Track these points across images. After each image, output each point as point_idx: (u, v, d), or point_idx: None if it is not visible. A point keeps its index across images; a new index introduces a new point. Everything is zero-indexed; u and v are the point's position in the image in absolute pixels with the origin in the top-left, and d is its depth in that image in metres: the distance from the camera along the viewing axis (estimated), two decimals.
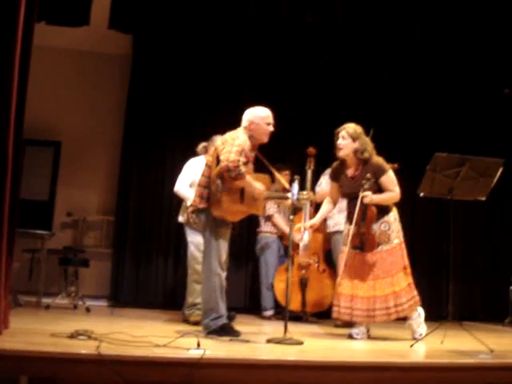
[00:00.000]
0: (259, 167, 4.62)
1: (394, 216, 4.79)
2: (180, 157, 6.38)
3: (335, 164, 4.98)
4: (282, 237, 6.45)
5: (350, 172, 4.81)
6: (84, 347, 3.21)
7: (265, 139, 4.48)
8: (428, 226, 7.26)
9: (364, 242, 4.64)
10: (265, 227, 6.42)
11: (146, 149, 7.11)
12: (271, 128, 4.47)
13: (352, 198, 4.75)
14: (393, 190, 4.73)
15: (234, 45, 7.20)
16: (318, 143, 6.45)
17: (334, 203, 5.05)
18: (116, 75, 7.45)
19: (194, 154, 5.65)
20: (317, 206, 6.33)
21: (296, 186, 4.70)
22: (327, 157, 6.39)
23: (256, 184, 4.34)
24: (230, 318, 4.64)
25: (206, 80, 7.15)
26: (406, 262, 4.75)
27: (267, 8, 6.20)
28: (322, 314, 6.36)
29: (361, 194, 4.55)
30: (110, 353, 3.10)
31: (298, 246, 6.21)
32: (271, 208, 6.34)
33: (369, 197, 4.56)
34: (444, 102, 7.49)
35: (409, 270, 4.75)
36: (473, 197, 4.79)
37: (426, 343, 4.52)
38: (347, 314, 4.69)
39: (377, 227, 4.70)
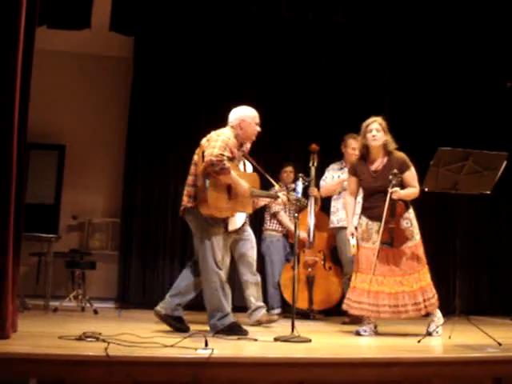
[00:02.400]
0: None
1: (412, 212, 4.81)
2: (184, 158, 6.37)
3: (356, 159, 5.02)
4: (287, 235, 6.45)
5: (373, 166, 4.82)
6: (92, 349, 3.21)
7: (253, 138, 4.56)
8: (434, 221, 7.23)
9: (393, 238, 4.63)
10: (270, 225, 6.42)
11: (149, 150, 7.12)
12: (259, 128, 4.53)
13: (373, 193, 4.76)
14: (415, 186, 4.75)
15: (235, 44, 7.20)
16: (320, 139, 6.46)
17: (355, 197, 5.03)
18: (118, 77, 7.47)
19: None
20: (322, 202, 6.35)
21: (300, 183, 4.71)
22: (330, 153, 6.43)
23: (242, 181, 4.35)
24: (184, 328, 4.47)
25: (208, 80, 7.16)
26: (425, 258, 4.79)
27: (268, 7, 6.21)
28: (329, 312, 6.38)
29: (390, 190, 4.55)
30: (119, 354, 3.11)
31: (303, 243, 6.21)
32: (276, 206, 6.34)
33: (398, 192, 4.57)
34: (446, 96, 7.48)
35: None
36: (477, 191, 4.78)
37: (433, 338, 4.52)
38: (373, 311, 4.68)
39: (404, 227, 4.72)
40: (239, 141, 4.49)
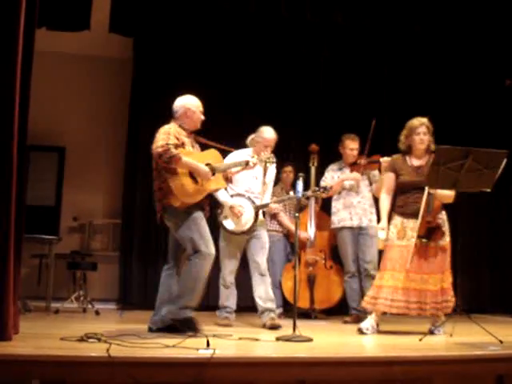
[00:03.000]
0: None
1: (445, 215, 4.89)
2: None
3: (396, 156, 5.07)
4: (287, 235, 6.45)
5: (416, 163, 4.92)
6: (94, 350, 3.22)
7: (198, 126, 4.60)
8: None
9: (431, 232, 4.69)
10: (271, 225, 6.41)
11: (149, 151, 7.10)
12: (203, 116, 4.60)
13: (410, 189, 4.83)
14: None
15: (234, 45, 7.20)
16: (320, 139, 6.46)
17: (390, 194, 5.06)
18: (118, 78, 7.46)
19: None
20: (322, 202, 6.36)
21: (300, 183, 4.71)
22: (330, 153, 6.43)
23: (198, 164, 4.32)
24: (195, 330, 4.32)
25: (207, 81, 7.14)
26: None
27: (267, 7, 6.21)
28: (331, 311, 6.38)
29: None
30: (121, 355, 3.11)
31: (304, 243, 6.22)
32: (275, 206, 6.33)
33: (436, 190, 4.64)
34: (446, 95, 7.47)
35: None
36: (478, 189, 4.77)
37: (435, 336, 4.52)
38: (404, 307, 4.72)
39: (440, 222, 4.77)
40: (185, 129, 4.51)
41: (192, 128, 4.58)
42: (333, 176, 5.96)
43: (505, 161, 4.58)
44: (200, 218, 4.35)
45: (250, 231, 5.17)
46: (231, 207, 5.11)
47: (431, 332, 4.63)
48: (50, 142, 7.32)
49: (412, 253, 4.64)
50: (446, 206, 4.90)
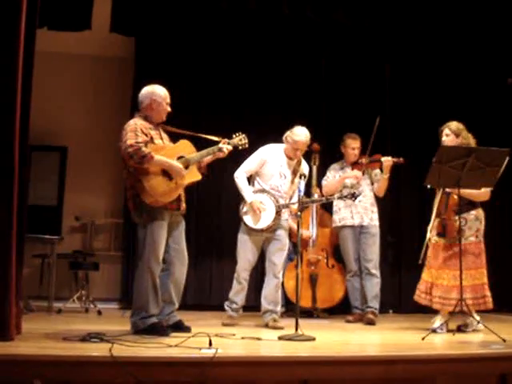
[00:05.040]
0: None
1: (475, 215, 4.90)
2: None
3: None
4: (289, 234, 6.43)
5: None
6: (97, 350, 3.22)
7: (164, 118, 4.44)
8: None
9: (445, 229, 4.79)
10: None
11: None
12: (169, 108, 4.44)
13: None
14: (479, 188, 4.80)
15: (235, 44, 7.19)
16: (322, 139, 6.45)
17: None
18: (119, 78, 7.46)
19: None
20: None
21: (303, 182, 4.71)
22: (331, 153, 6.43)
23: (172, 162, 4.19)
24: (184, 329, 4.33)
25: (209, 81, 7.15)
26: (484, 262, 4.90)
27: (268, 5, 6.21)
28: (333, 310, 6.38)
29: None
30: (123, 354, 3.12)
31: (306, 242, 6.21)
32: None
33: None
34: (447, 93, 7.44)
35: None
36: (480, 187, 4.78)
37: (437, 335, 4.51)
38: (444, 303, 4.81)
39: (455, 219, 4.79)
40: (151, 121, 4.37)
41: (158, 120, 4.41)
42: (334, 175, 5.96)
43: (507, 159, 4.59)
44: (162, 228, 4.18)
45: (270, 230, 5.07)
46: (251, 203, 5.03)
47: (459, 329, 4.72)
48: (51, 141, 7.32)
49: (424, 248, 4.75)
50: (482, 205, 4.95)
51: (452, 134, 4.99)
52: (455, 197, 4.77)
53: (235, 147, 4.67)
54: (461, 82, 7.46)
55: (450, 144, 4.93)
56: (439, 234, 4.87)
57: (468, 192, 4.77)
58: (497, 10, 6.45)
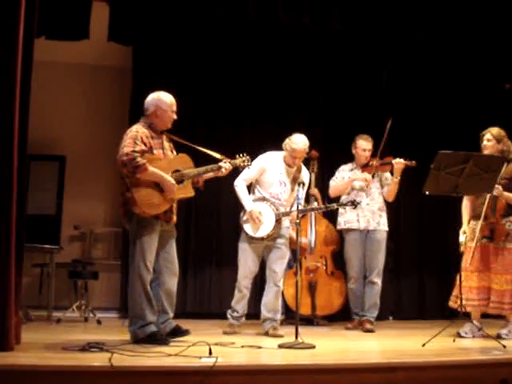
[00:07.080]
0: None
1: None
2: None
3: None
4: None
5: None
6: (96, 359, 3.22)
7: (169, 126, 4.38)
8: (437, 223, 7.21)
9: (494, 232, 4.77)
10: None
11: None
12: (175, 116, 4.38)
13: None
14: None
15: (233, 53, 7.19)
16: (320, 146, 6.45)
17: (470, 199, 5.15)
18: (117, 87, 7.46)
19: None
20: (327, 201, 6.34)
21: (301, 189, 4.70)
22: (329, 159, 6.44)
23: (164, 176, 4.12)
24: (183, 333, 4.36)
25: (207, 89, 7.14)
26: None
27: (265, 14, 6.22)
28: (333, 317, 6.36)
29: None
30: (123, 364, 3.11)
31: (305, 249, 6.21)
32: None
33: (499, 189, 4.69)
34: (446, 99, 7.46)
35: None
36: (478, 193, 4.80)
37: (437, 342, 4.50)
38: (482, 305, 4.84)
39: (503, 223, 4.81)
40: (155, 129, 4.31)
41: (162, 128, 4.36)
42: (343, 176, 5.87)
43: (505, 165, 4.60)
44: (152, 236, 4.16)
45: (270, 238, 5.07)
46: (250, 212, 5.03)
47: (499, 337, 4.64)
48: (50, 151, 7.32)
49: (471, 253, 4.73)
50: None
51: (493, 139, 4.96)
52: (503, 201, 4.76)
53: (236, 167, 4.59)
54: (458, 88, 7.47)
55: (491, 150, 4.92)
56: (486, 237, 4.80)
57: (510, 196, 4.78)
58: (494, 16, 6.47)
